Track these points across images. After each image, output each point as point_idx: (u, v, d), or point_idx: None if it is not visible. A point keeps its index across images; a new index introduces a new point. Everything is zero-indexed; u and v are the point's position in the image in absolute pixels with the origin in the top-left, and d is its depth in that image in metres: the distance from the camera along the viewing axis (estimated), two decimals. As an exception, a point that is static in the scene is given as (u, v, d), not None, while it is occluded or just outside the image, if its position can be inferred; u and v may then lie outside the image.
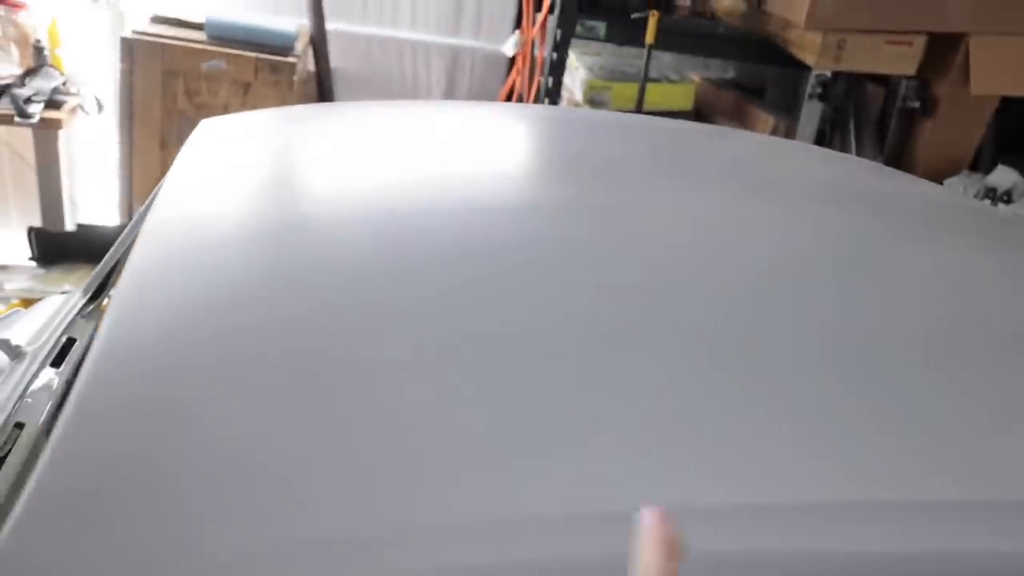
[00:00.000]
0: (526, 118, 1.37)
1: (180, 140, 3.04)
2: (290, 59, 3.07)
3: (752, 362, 0.71)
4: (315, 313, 0.67)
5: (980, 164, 3.19)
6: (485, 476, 0.57)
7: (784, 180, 1.28)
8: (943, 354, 0.80)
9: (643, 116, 2.65)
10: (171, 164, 0.96)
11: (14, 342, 1.00)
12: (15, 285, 2.80)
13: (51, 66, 3.08)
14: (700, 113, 3.63)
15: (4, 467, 0.81)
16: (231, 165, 0.95)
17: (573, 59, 3.40)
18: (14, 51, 3.11)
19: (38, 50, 3.05)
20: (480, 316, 0.70)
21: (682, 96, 3.49)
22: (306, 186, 0.93)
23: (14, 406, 0.90)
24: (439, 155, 1.05)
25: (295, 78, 3.08)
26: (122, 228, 3.29)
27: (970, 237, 1.15)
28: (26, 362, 0.98)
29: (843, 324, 0.81)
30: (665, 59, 3.67)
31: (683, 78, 3.65)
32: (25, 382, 0.94)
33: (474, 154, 1.09)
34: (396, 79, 3.79)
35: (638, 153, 1.23)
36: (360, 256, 0.75)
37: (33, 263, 2.93)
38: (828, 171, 1.42)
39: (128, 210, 3.23)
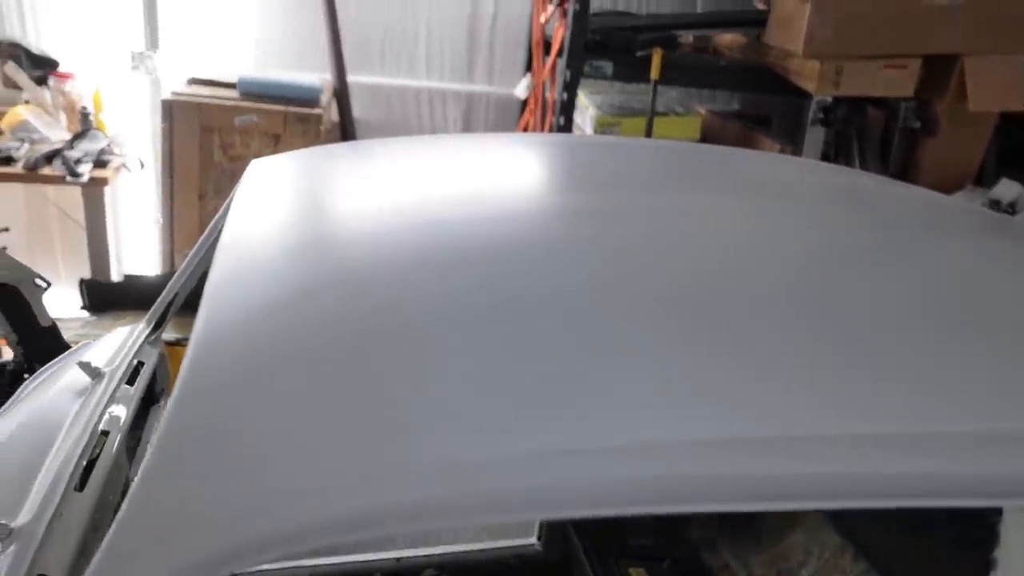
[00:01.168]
0: (546, 144, 1.52)
1: (217, 192, 3.26)
2: (316, 111, 3.27)
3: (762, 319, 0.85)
4: (387, 296, 0.81)
5: (985, 180, 3.27)
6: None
7: (786, 180, 1.42)
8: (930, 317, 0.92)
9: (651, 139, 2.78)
10: (209, 214, 1.11)
11: (93, 364, 1.14)
12: (70, 334, 2.96)
13: (96, 129, 3.31)
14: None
15: (97, 467, 0.95)
16: (284, 193, 1.10)
17: (583, 98, 3.55)
18: (63, 117, 3.35)
19: (84, 115, 3.29)
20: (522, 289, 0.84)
21: (689, 128, 3.62)
22: (354, 205, 1.07)
23: (99, 417, 1.03)
24: (471, 175, 1.19)
25: (321, 128, 3.27)
26: (166, 276, 3.46)
27: (953, 223, 1.27)
28: (104, 381, 1.12)
29: (836, 293, 0.94)
30: (672, 94, 3.81)
31: (689, 111, 3.79)
32: (107, 398, 1.08)
33: (494, 173, 1.23)
34: (415, 125, 3.97)
35: (664, 165, 1.38)
36: (406, 256, 0.89)
37: (85, 312, 3.10)
38: (825, 175, 1.54)
39: (170, 259, 3.41)
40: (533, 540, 2.04)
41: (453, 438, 0.66)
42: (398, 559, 1.99)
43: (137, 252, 3.74)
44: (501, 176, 1.24)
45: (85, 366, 1.11)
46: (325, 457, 0.64)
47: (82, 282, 3.10)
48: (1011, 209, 2.92)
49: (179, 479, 0.64)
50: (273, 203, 1.05)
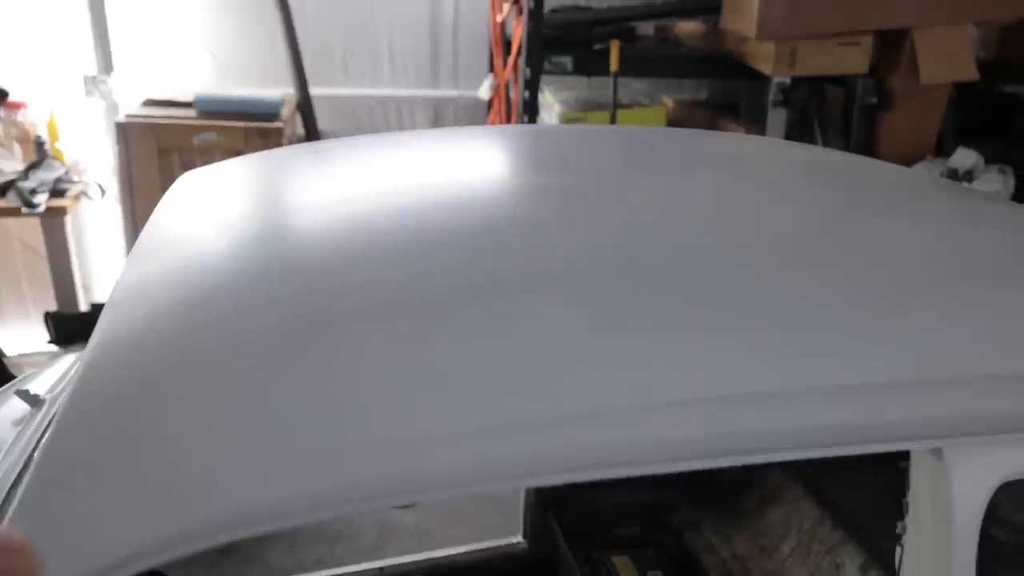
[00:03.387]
0: (486, 136, 1.53)
1: (180, 212, 3.23)
2: (277, 124, 3.25)
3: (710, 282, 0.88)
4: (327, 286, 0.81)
5: (944, 150, 3.30)
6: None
7: (740, 154, 1.44)
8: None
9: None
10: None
11: (33, 392, 1.12)
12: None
13: (52, 158, 3.27)
14: (673, 132, 3.76)
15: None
16: (204, 202, 1.10)
17: (548, 95, 3.56)
18: (16, 148, 3.31)
19: (39, 144, 3.25)
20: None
21: (654, 118, 3.63)
22: (277, 207, 1.08)
23: (36, 444, 1.01)
24: (402, 170, 1.19)
25: (284, 142, 3.25)
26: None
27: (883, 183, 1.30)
28: (44, 408, 1.10)
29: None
30: (638, 86, 3.83)
31: (655, 102, 3.80)
32: (44, 425, 1.05)
33: (429, 169, 1.23)
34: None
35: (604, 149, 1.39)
36: (325, 252, 0.90)
37: (53, 346, 3.06)
38: (768, 147, 1.57)
39: (137, 284, 3.36)
40: (518, 538, 2.04)
41: (357, 423, 0.66)
42: (381, 568, 1.97)
43: (105, 280, 3.69)
44: (436, 170, 1.23)
45: (24, 394, 1.09)
46: (225, 451, 0.63)
47: (47, 315, 3.06)
48: (968, 177, 2.95)
49: (70, 483, 0.62)
50: (190, 213, 1.04)
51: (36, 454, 0.69)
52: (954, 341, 0.86)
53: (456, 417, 0.67)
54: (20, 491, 0.65)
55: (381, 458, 0.62)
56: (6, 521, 0.63)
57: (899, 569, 0.83)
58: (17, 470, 0.93)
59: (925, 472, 0.80)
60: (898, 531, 0.84)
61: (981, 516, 0.80)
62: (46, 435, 0.68)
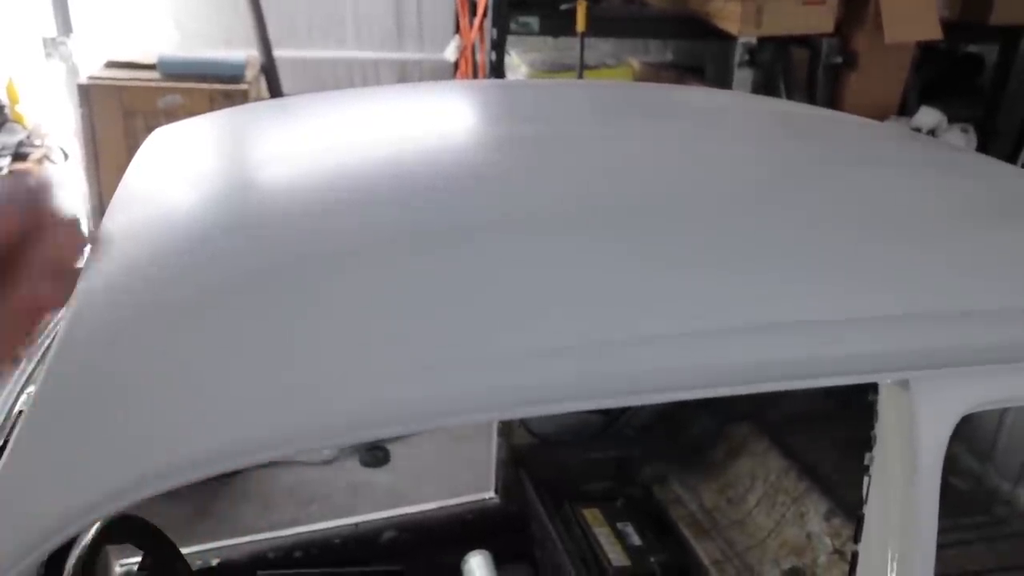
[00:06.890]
0: (452, 90, 1.53)
1: (145, 176, 3.19)
2: (242, 86, 3.21)
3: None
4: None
5: (907, 110, 3.37)
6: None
7: (709, 106, 1.47)
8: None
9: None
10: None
11: (9, 348, 1.12)
12: (3, 333, 2.89)
13: (13, 122, 3.19)
14: (641, 93, 3.77)
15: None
16: (181, 155, 1.11)
17: (515, 57, 3.54)
18: (-25, 113, 3.22)
19: (-1, 108, 3.17)
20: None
21: (620, 78, 3.65)
22: (256, 157, 1.09)
23: (15, 399, 1.02)
24: (370, 125, 1.20)
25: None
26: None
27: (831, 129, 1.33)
28: (22, 363, 1.11)
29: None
30: (604, 47, 3.82)
31: (621, 63, 3.81)
32: (23, 380, 1.06)
33: (398, 121, 1.24)
34: (348, 96, 3.91)
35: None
36: (302, 201, 0.91)
37: (18, 311, 3.02)
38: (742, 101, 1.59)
39: (103, 249, 3.33)
40: (490, 494, 2.08)
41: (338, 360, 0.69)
42: (356, 525, 2.00)
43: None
44: (408, 121, 1.24)
45: None
46: (204, 393, 0.65)
47: (13, 279, 3.01)
48: (931, 135, 3.01)
49: (65, 422, 0.65)
50: (168, 165, 1.05)
51: (25, 402, 0.70)
52: (921, 278, 0.89)
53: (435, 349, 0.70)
54: (12, 438, 0.66)
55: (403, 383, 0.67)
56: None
57: (866, 497, 0.86)
58: (-2, 422, 0.95)
59: (893, 403, 0.83)
60: (866, 462, 0.86)
61: (945, 445, 0.83)
62: (35, 385, 0.70)
